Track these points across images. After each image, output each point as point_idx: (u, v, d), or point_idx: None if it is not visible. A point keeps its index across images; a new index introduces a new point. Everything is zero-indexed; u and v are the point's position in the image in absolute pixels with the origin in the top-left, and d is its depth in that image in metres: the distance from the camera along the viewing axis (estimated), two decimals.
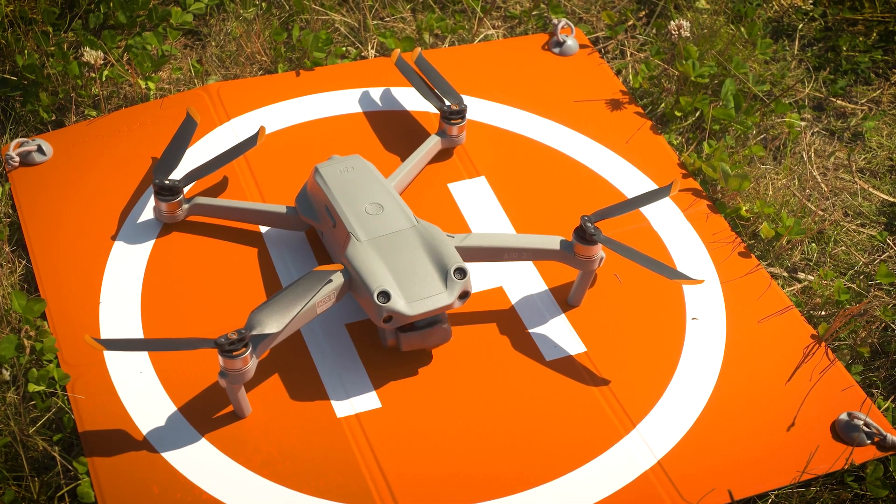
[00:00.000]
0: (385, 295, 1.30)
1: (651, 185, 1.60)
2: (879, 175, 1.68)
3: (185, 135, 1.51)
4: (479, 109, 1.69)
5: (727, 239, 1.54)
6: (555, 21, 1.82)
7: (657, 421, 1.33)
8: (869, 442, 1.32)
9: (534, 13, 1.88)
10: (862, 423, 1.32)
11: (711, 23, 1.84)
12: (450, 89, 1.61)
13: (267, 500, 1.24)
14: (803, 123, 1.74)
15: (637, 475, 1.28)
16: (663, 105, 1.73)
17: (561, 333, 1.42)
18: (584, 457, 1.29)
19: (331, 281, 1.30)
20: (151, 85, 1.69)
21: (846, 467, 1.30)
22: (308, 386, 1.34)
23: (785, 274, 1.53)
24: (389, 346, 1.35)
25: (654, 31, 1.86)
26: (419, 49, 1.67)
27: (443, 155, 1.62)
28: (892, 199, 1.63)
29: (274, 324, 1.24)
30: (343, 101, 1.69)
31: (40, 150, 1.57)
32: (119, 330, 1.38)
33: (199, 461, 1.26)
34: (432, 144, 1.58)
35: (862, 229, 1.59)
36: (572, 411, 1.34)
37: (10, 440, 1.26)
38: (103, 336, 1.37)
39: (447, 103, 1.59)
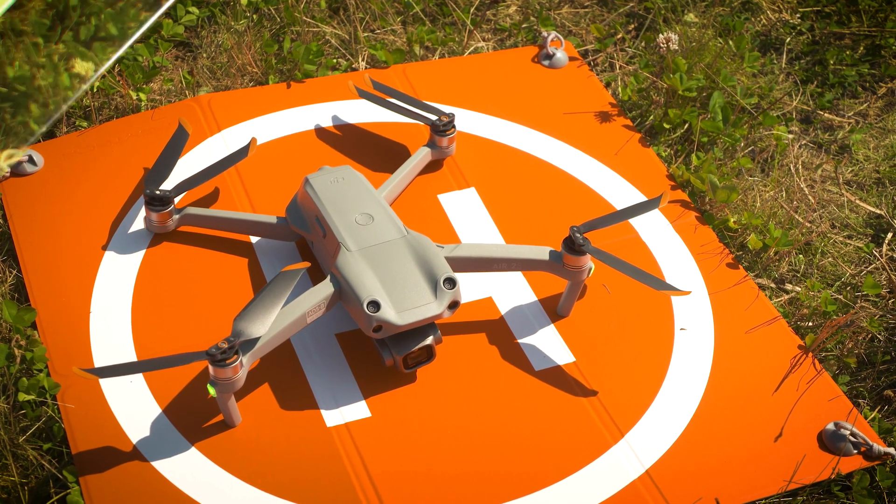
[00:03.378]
0: (375, 304, 1.30)
1: (640, 197, 1.61)
2: (866, 187, 1.69)
3: (177, 146, 1.52)
4: (469, 121, 1.70)
5: (715, 250, 1.55)
6: (544, 34, 1.83)
7: (645, 430, 1.34)
8: (855, 452, 1.33)
9: (524, 26, 1.89)
10: (848, 432, 1.33)
11: (700, 36, 1.86)
12: (425, 104, 1.61)
13: None
14: (791, 136, 1.75)
15: (625, 484, 1.29)
16: (652, 117, 1.74)
17: (550, 344, 1.42)
18: (573, 466, 1.30)
19: (304, 273, 1.29)
20: (142, 96, 1.70)
21: (833, 477, 1.31)
22: (298, 395, 1.34)
23: (772, 285, 1.53)
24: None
25: (642, 44, 1.87)
26: (367, 75, 1.66)
27: (433, 166, 1.63)
28: (878, 212, 1.64)
29: (259, 326, 1.24)
30: (334, 113, 1.69)
31: (31, 160, 1.57)
32: (109, 339, 1.38)
33: (189, 470, 1.27)
34: (422, 156, 1.59)
35: (849, 241, 1.60)
36: (561, 421, 1.34)
37: None
38: (94, 346, 1.37)
39: (434, 117, 1.60)
